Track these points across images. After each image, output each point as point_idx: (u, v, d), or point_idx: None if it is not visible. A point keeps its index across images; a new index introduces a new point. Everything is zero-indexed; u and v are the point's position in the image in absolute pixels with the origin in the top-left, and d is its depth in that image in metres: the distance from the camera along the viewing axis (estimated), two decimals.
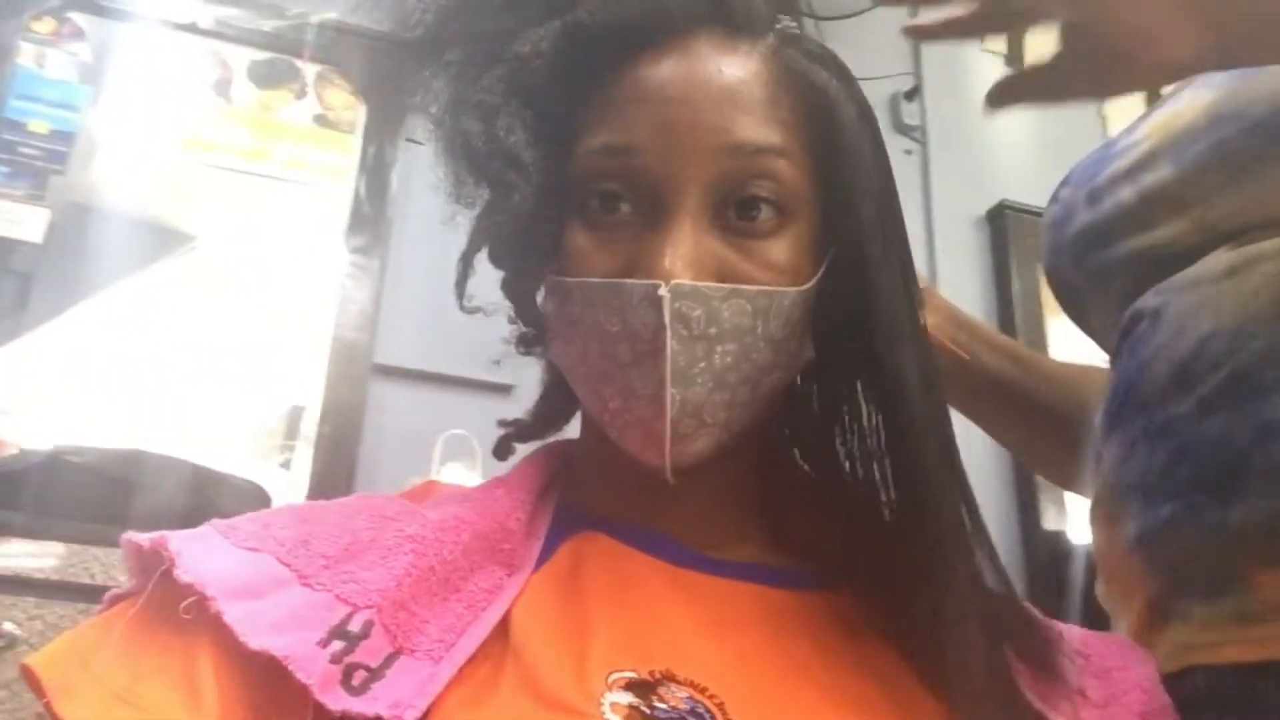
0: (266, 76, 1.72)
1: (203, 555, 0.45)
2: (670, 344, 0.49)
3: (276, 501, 1.39)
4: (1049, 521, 1.95)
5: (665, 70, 0.52)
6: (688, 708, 0.45)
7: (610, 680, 0.44)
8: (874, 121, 0.57)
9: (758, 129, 0.52)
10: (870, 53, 2.20)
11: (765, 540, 0.58)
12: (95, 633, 0.45)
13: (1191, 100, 0.62)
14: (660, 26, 0.53)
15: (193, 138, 1.64)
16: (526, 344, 0.60)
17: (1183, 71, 0.53)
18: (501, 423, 0.65)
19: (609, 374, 0.52)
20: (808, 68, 0.55)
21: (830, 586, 0.55)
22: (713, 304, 0.50)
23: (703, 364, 0.50)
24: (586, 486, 0.59)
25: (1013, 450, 0.84)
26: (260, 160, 1.66)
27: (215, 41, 1.71)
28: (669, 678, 0.46)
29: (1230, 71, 0.59)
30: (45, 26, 1.60)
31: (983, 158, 2.18)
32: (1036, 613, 0.56)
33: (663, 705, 0.44)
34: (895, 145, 2.19)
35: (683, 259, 0.49)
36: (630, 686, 0.44)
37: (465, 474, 1.49)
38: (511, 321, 0.60)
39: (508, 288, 0.58)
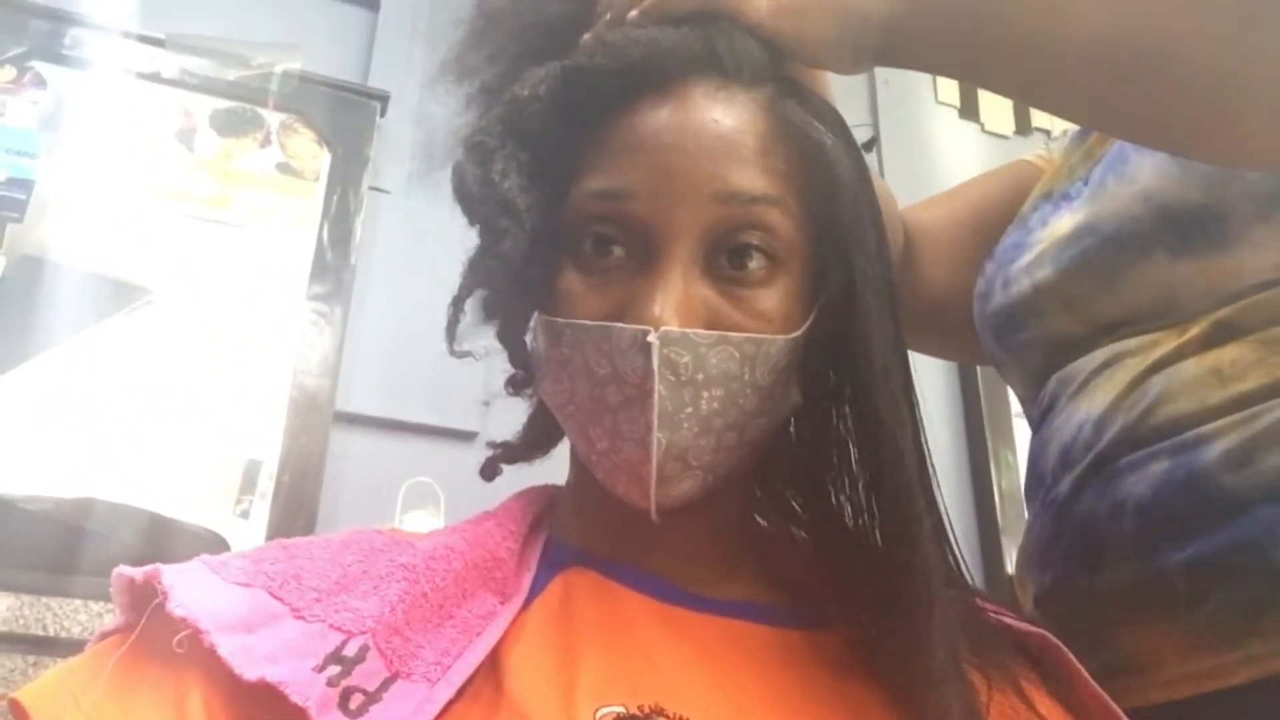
0: (229, 125, 1.72)
1: (195, 590, 0.45)
2: (658, 389, 0.50)
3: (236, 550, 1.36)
4: (1011, 565, 1.96)
5: (661, 117, 0.53)
6: None
7: (599, 715, 0.45)
8: (867, 172, 0.58)
9: (752, 178, 0.52)
10: None
11: (754, 578, 0.59)
12: (86, 668, 0.45)
13: (1070, 214, 0.70)
14: (658, 74, 0.54)
15: (155, 186, 1.63)
16: (516, 386, 0.61)
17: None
18: (490, 444, 0.66)
19: (597, 415, 0.52)
20: (804, 119, 0.56)
21: (819, 625, 0.56)
22: (700, 350, 0.50)
23: (689, 409, 0.51)
24: (575, 524, 0.59)
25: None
26: (223, 208, 1.66)
27: (179, 90, 1.71)
28: (658, 712, 0.46)
29: (1092, 193, 0.69)
30: (6, 75, 1.59)
31: None
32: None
33: None
34: None
35: (672, 305, 0.50)
36: None
37: (428, 521, 1.47)
38: (508, 362, 0.60)
39: (497, 330, 0.58)
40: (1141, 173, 0.63)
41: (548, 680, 0.46)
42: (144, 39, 1.70)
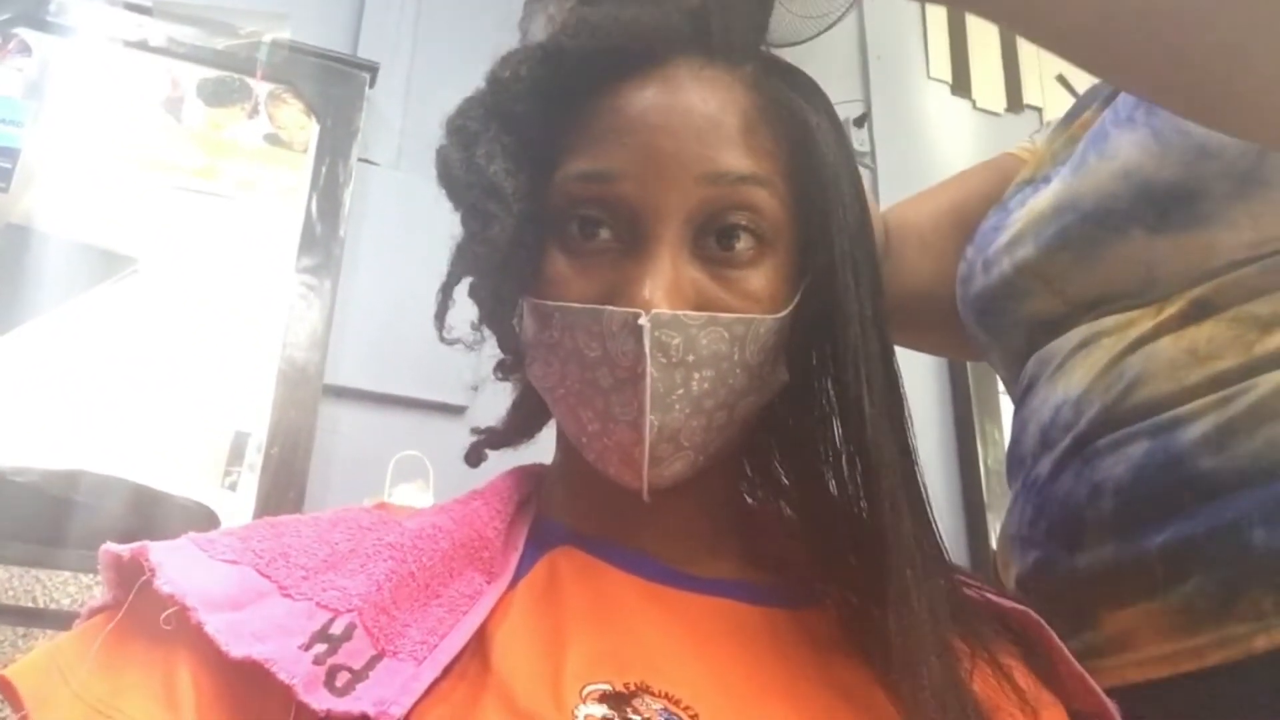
0: (217, 95, 1.70)
1: (183, 567, 0.45)
2: (650, 371, 0.50)
3: (225, 522, 1.37)
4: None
5: (647, 97, 0.53)
6: (663, 719, 0.45)
7: (584, 693, 0.45)
8: (850, 150, 0.58)
9: (739, 158, 0.52)
10: (819, 79, 2.23)
11: (740, 556, 0.59)
12: (74, 645, 0.45)
13: (1048, 190, 0.70)
14: (641, 53, 0.54)
15: (141, 156, 1.62)
16: (505, 370, 0.61)
17: None
18: (474, 430, 0.66)
19: (588, 398, 0.52)
20: (788, 97, 0.56)
21: (804, 603, 0.56)
22: (691, 332, 0.50)
23: (680, 390, 0.51)
24: (562, 505, 0.59)
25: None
26: (210, 179, 1.65)
27: (166, 59, 1.69)
28: (644, 690, 0.46)
29: (1074, 169, 0.67)
30: None
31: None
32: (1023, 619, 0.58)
33: (637, 717, 0.45)
34: None
35: (662, 288, 0.50)
36: (605, 699, 0.45)
37: (418, 495, 1.48)
38: (497, 346, 0.60)
39: (484, 313, 0.58)
40: (1121, 150, 0.63)
41: (534, 658, 0.47)
42: (130, 6, 1.67)
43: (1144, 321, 0.62)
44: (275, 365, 1.58)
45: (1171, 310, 0.61)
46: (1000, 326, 0.74)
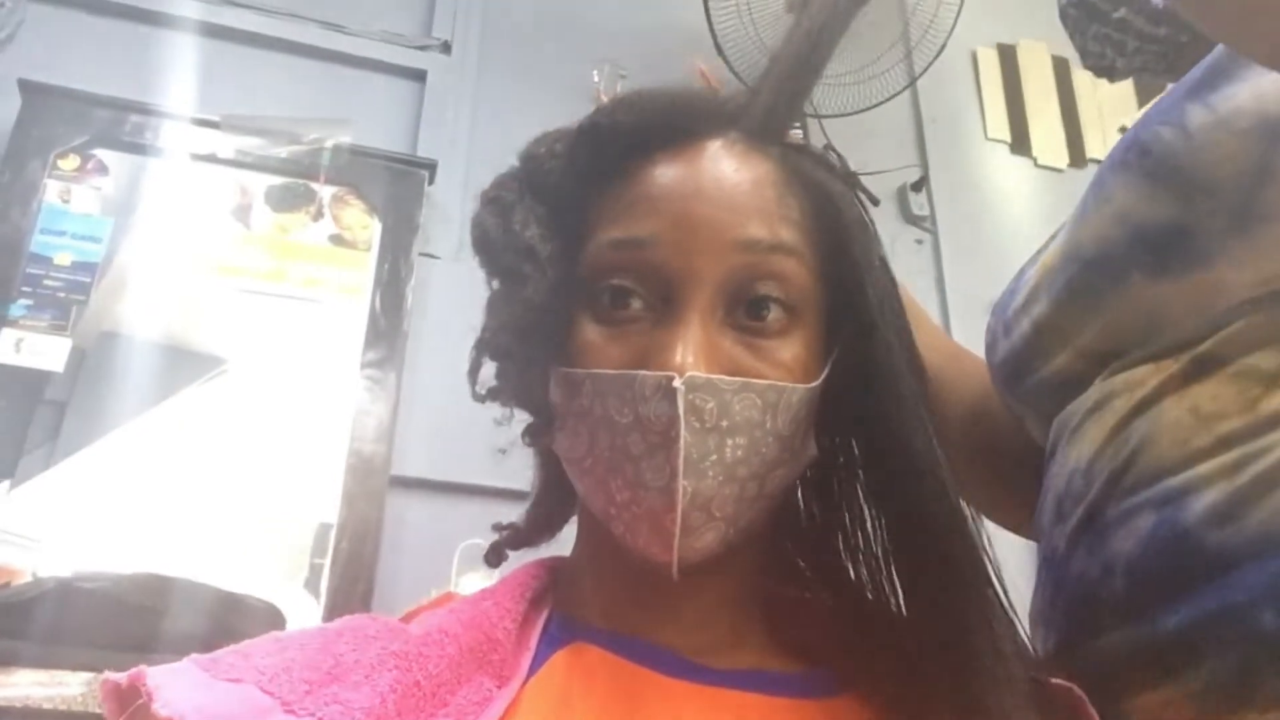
0: (284, 200, 1.77)
1: (182, 689, 0.45)
2: (684, 435, 0.49)
3: (293, 620, 1.38)
4: None
5: (679, 169, 0.54)
6: None
7: None
8: (874, 227, 0.59)
9: (771, 227, 0.53)
10: (876, 146, 2.24)
11: (764, 644, 0.57)
12: None
13: (1056, 243, 0.67)
14: (674, 130, 0.55)
15: (212, 263, 1.68)
16: (534, 435, 0.61)
17: None
18: (495, 527, 0.65)
19: (618, 466, 0.51)
20: (815, 172, 0.57)
21: (832, 691, 0.54)
22: (725, 396, 0.50)
23: (714, 456, 0.50)
24: (580, 598, 0.58)
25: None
26: (278, 281, 1.70)
27: (234, 170, 1.77)
28: None
29: (1075, 218, 0.65)
30: (70, 164, 1.66)
31: (993, 243, 2.19)
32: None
33: None
34: (906, 236, 2.20)
35: (695, 352, 0.50)
36: None
37: (484, 583, 1.47)
38: (527, 412, 0.60)
39: (514, 379, 0.58)
40: (1116, 193, 0.60)
41: None
42: (200, 121, 1.76)
43: (1149, 380, 0.59)
44: (344, 459, 1.60)
45: (1174, 369, 0.57)
46: (1028, 390, 0.71)
